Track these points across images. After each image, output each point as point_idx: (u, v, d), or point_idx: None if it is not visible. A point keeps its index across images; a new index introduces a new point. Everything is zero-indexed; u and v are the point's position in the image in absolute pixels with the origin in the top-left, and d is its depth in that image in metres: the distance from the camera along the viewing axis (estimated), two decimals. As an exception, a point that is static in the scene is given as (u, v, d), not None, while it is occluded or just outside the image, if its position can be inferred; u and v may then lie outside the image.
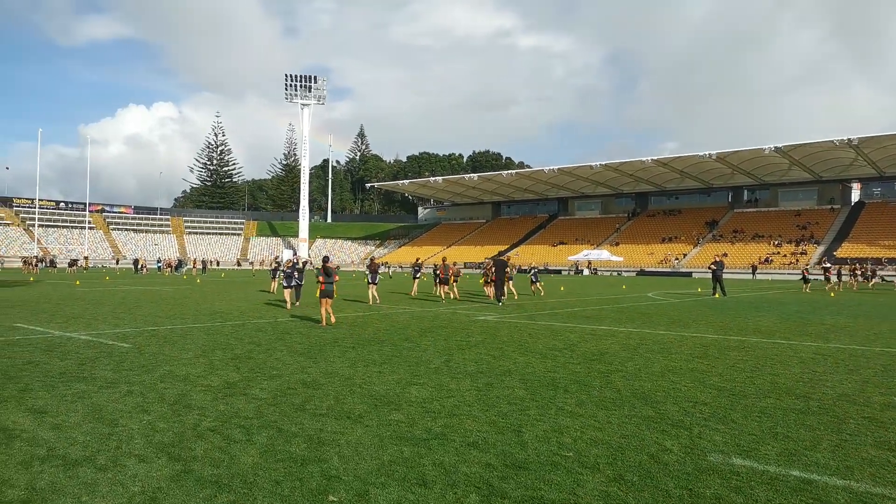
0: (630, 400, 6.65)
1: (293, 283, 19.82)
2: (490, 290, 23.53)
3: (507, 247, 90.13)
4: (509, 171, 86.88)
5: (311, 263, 56.06)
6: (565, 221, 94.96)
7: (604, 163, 74.74)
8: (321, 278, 14.35)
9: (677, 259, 70.99)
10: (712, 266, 28.17)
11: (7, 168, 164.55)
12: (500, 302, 21.01)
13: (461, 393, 6.91)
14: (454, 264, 26.73)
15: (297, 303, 19.74)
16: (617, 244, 79.93)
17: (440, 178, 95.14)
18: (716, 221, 79.16)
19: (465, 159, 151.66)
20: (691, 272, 65.25)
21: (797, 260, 63.12)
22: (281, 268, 20.64)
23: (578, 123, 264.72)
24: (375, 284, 22.05)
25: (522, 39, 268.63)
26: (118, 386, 7.05)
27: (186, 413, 5.91)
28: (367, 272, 22.50)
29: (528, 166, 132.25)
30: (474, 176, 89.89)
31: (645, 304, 22.04)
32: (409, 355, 9.54)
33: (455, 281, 24.94)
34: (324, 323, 13.98)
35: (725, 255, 64.44)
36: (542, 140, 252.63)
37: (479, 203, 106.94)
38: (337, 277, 14.52)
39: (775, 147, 62.09)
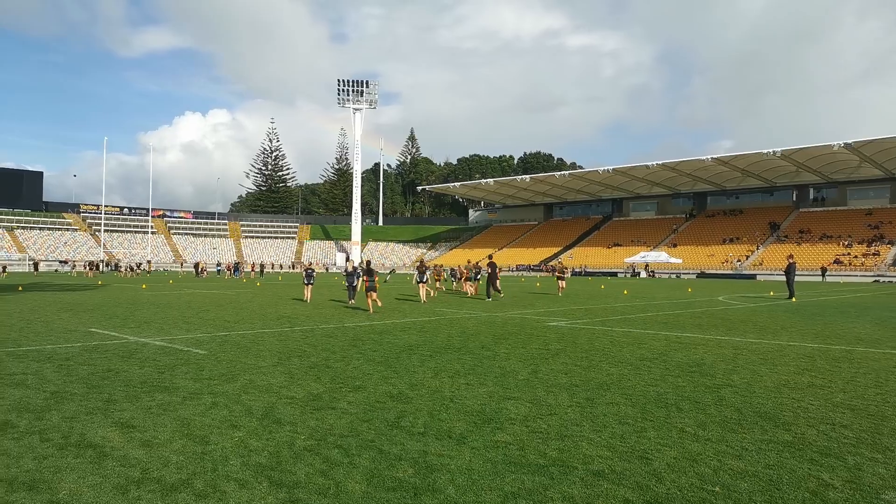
0: (756, 421, 5.97)
1: (353, 284, 22.16)
2: (468, 288, 27.87)
3: (560, 248, 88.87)
4: (562, 172, 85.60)
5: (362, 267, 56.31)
6: (620, 223, 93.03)
7: (660, 162, 72.78)
8: (365, 277, 18.91)
9: (739, 261, 68.53)
10: (790, 266, 26.85)
11: (75, 176, 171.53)
12: (489, 297, 24.81)
13: (562, 409, 6.37)
14: (469, 263, 30.26)
15: (352, 301, 21.84)
16: (675, 245, 77.76)
17: (491, 180, 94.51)
18: (779, 222, 76.08)
19: (515, 161, 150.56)
20: (755, 274, 62.83)
21: (870, 261, 60.02)
22: (352, 271, 23.28)
23: (630, 123, 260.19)
24: (424, 283, 23.83)
25: (571, 39, 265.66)
26: (202, 397, 6.78)
27: (278, 429, 5.55)
28: (416, 272, 24.84)
29: (580, 167, 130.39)
30: (526, 177, 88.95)
31: (720, 308, 20.99)
32: (492, 365, 9.05)
33: (469, 280, 28.22)
34: (371, 311, 17.84)
35: (791, 256, 61.81)
36: (593, 141, 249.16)
37: (531, 205, 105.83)
38: (377, 276, 18.64)
39: (844, 143, 59.23)
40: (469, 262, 30.24)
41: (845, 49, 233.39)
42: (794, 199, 79.49)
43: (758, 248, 70.64)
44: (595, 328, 14.30)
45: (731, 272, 66.10)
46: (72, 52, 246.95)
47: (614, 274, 71.54)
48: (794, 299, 25.73)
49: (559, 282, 29.61)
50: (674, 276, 68.51)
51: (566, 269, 28.58)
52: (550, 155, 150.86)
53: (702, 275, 66.92)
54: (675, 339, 12.36)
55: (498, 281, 25.54)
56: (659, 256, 70.08)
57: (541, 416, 6.11)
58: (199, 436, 5.32)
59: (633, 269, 72.17)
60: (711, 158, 69.04)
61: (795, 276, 27.41)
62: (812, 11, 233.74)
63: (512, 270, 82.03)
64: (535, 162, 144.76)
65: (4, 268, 54.51)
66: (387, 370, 8.53)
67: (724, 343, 11.69)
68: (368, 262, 19.81)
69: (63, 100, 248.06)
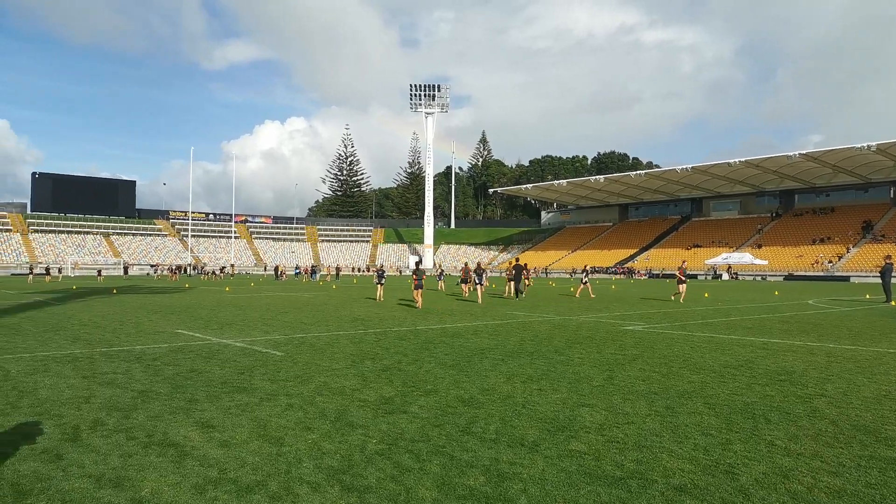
0: (854, 434, 5.54)
1: (422, 285, 22.69)
2: (465, 289, 28.36)
3: (636, 250, 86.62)
4: (638, 172, 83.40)
5: (440, 268, 56.82)
6: (700, 223, 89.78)
7: (743, 159, 69.72)
8: (414, 277, 22.27)
9: (831, 262, 64.73)
10: (886, 267, 25.08)
11: (164, 184, 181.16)
12: (517, 297, 26.48)
13: (640, 418, 6.11)
14: (466, 265, 30.83)
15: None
16: (759, 246, 74.31)
17: (564, 181, 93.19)
18: (875, 221, 71.34)
19: (589, 161, 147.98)
20: (849, 276, 59.18)
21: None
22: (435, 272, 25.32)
23: (710, 119, 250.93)
24: (482, 285, 25.28)
25: (647, 35, 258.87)
26: (278, 398, 6.92)
27: (350, 432, 5.58)
28: (475, 275, 25.87)
29: (657, 166, 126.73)
30: (600, 178, 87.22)
31: (809, 312, 19.82)
32: (566, 370, 8.83)
33: (464, 282, 28.61)
34: (419, 306, 20.95)
35: (889, 257, 57.82)
36: (670, 139, 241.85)
37: (605, 205, 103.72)
38: (425, 276, 22.16)
39: (951, 134, 54.88)
40: (466, 264, 30.83)
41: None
42: (892, 196, 74.41)
43: (850, 249, 66.48)
44: (674, 333, 13.78)
45: (821, 274, 62.52)
46: (160, 67, 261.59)
47: (694, 276, 69.01)
48: (893, 303, 24.02)
49: (679, 285, 26.19)
50: (759, 278, 65.44)
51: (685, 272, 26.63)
52: (625, 154, 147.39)
53: (789, 277, 63.59)
54: (761, 345, 11.73)
55: (523, 282, 27.45)
56: (742, 258, 67.15)
57: (617, 424, 5.88)
58: (275, 437, 5.41)
59: (715, 272, 69.40)
60: (799, 154, 65.56)
61: (893, 279, 25.58)
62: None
63: (582, 272, 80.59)
64: (610, 162, 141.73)
65: (100, 272, 58.03)
66: (458, 374, 8.47)
67: (815, 350, 11.00)
68: (417, 264, 24.24)
69: (153, 112, 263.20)
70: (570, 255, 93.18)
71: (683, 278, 26.43)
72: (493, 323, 15.94)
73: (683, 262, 28.51)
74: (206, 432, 5.55)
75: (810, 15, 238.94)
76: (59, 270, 66.77)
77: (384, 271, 26.98)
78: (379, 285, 25.70)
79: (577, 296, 28.76)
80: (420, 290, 21.75)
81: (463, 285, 28.50)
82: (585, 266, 32.38)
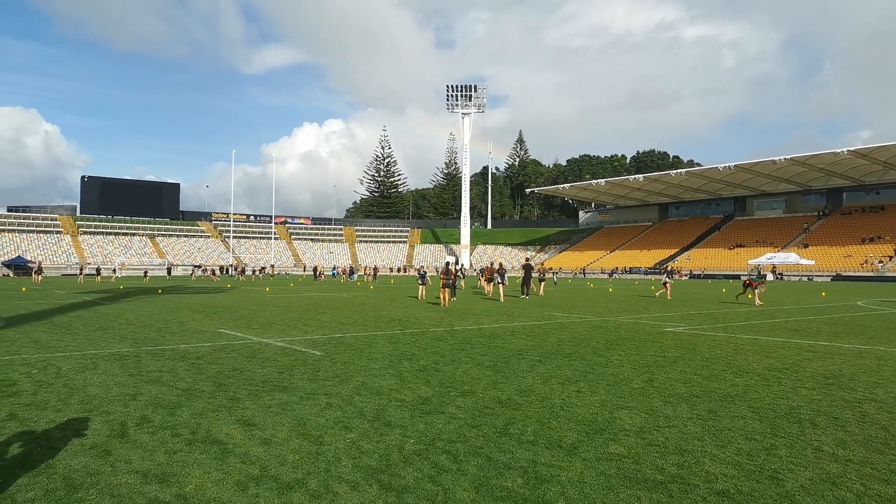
0: (907, 441, 5.34)
1: (449, 284, 23.43)
2: (489, 288, 28.67)
3: (676, 250, 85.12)
4: (678, 171, 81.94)
5: (471, 269, 56.79)
6: (743, 222, 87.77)
7: (789, 157, 67.92)
8: (442, 277, 23.04)
9: (881, 262, 62.53)
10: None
11: (207, 186, 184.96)
12: (524, 296, 27.42)
13: (682, 421, 6.01)
14: (491, 264, 31.41)
15: (454, 298, 24.83)
16: (806, 246, 72.26)
17: (602, 180, 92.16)
18: (930, 218, 68.71)
19: (627, 160, 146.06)
20: (901, 277, 57.11)
21: None
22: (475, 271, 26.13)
23: (753, 116, 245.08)
24: (504, 284, 26.21)
25: (687, 31, 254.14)
26: (317, 397, 7.01)
27: (388, 431, 5.62)
28: (497, 275, 26.70)
29: (698, 164, 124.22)
30: (639, 177, 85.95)
31: (859, 314, 19.19)
32: (604, 372, 8.73)
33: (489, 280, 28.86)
34: (443, 304, 21.96)
35: (945, 256, 55.51)
36: (711, 136, 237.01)
37: (645, 205, 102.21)
38: (453, 277, 23.57)
39: None
40: (491, 263, 31.70)
41: None
42: (948, 192, 71.51)
43: (904, 248, 64.13)
44: (717, 335, 13.50)
45: (872, 274, 60.46)
46: (201, 72, 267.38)
47: (736, 276, 67.41)
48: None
49: (749, 289, 24.95)
50: (805, 278, 63.64)
51: (764, 275, 25.54)
52: (665, 153, 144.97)
53: (837, 277, 61.67)
54: (807, 347, 11.40)
55: (537, 280, 29.57)
56: (788, 258, 65.41)
57: (658, 427, 5.80)
58: (314, 436, 5.48)
59: (759, 272, 67.70)
60: (848, 151, 63.52)
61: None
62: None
63: (617, 273, 79.67)
64: (649, 160, 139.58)
65: (146, 272, 59.61)
66: (495, 375, 8.45)
67: (865, 353, 10.64)
68: (447, 264, 25.16)
69: (196, 117, 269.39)
70: (609, 256, 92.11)
71: (759, 282, 25.09)
72: (531, 324, 15.86)
73: (757, 268, 26.29)
74: (247, 430, 5.66)
75: (859, 6, 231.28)
76: (114, 271, 68.81)
77: (426, 272, 28.64)
78: (422, 285, 27.26)
79: (657, 296, 28.67)
80: (447, 290, 22.71)
81: (486, 283, 29.26)
82: (666, 266, 32.24)
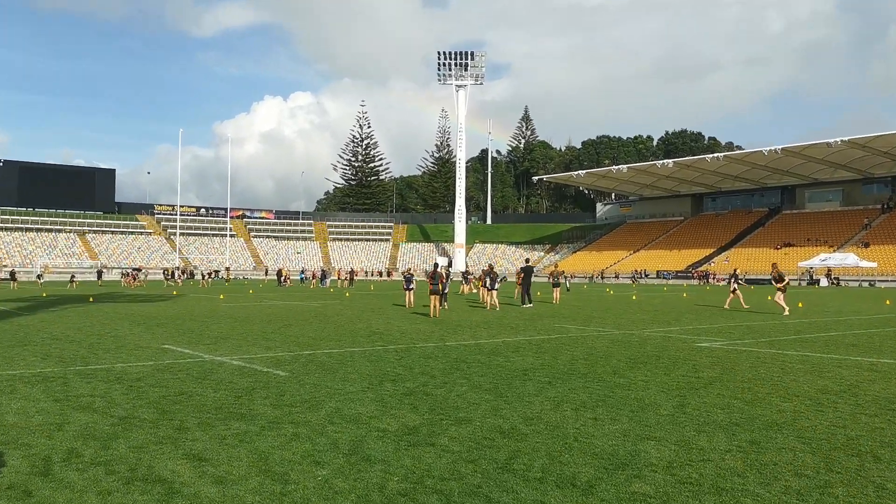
0: None
1: (438, 290, 23.58)
2: (487, 297, 27.72)
3: (713, 250, 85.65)
4: (715, 155, 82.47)
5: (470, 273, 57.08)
6: (792, 216, 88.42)
7: (847, 138, 68.43)
8: (429, 281, 23.30)
9: (957, 264, 63.12)
10: None
11: (148, 173, 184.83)
12: (524, 304, 28.10)
13: (718, 454, 6.05)
14: (492, 266, 31.33)
15: (446, 306, 25.83)
16: (866, 245, 72.84)
17: (624, 166, 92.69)
18: None
19: (654, 142, 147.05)
20: (980, 282, 57.68)
21: None
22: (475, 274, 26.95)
23: (804, 90, 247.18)
24: (496, 290, 26.58)
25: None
26: (282, 426, 7.02)
27: (367, 468, 5.63)
28: (487, 278, 27.24)
29: (739, 147, 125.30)
30: (668, 162, 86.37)
31: (930, 326, 19.37)
32: (627, 396, 8.78)
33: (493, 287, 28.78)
34: (433, 314, 22.18)
35: None
36: (754, 114, 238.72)
37: (675, 196, 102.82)
38: (443, 281, 24.16)
39: None
40: (490, 266, 31.50)
41: None
42: None
43: (983, 248, 64.78)
44: (760, 351, 13.61)
45: (945, 279, 61.02)
46: (141, 36, 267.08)
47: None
48: None
49: (778, 295, 24.97)
50: (865, 283, 64.14)
51: (784, 276, 25.66)
52: (699, 133, 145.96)
53: (904, 282, 62.19)
54: (868, 366, 11.51)
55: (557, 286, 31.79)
56: (846, 259, 65.90)
57: (690, 462, 5.84)
58: (278, 473, 5.48)
59: (811, 276, 68.19)
60: (916, 131, 64.11)
61: None
62: None
63: (640, 276, 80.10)
64: (680, 143, 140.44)
65: (73, 277, 59.25)
66: (496, 399, 8.48)
67: (937, 372, 10.74)
68: (436, 266, 25.87)
69: (134, 88, 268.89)
70: (632, 257, 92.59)
71: (780, 284, 25.11)
72: (538, 338, 15.91)
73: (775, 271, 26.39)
74: (197, 466, 5.65)
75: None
76: (39, 277, 68.39)
77: (412, 276, 29.18)
78: (408, 291, 27.79)
79: (726, 306, 28.19)
80: (436, 297, 22.92)
81: (483, 290, 28.84)
82: (734, 270, 32.25)
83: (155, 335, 16.29)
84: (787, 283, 25.73)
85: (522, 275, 30.19)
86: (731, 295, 28.62)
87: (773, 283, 25.64)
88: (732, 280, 29.57)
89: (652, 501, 4.88)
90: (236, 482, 5.26)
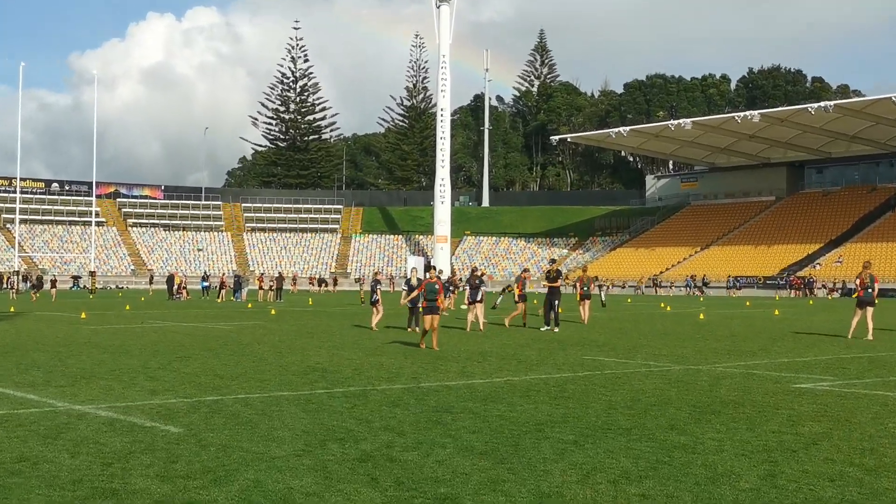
0: None
1: (435, 307, 22.93)
2: (471, 314, 28.95)
3: (819, 246, 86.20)
4: (821, 104, 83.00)
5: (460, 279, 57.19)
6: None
7: None
8: (423, 293, 22.82)
9: None
10: None
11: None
12: (546, 326, 28.70)
13: (826, 548, 6.11)
14: (475, 270, 33.16)
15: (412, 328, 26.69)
16: None
17: (687, 120, 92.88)
18: None
19: (732, 85, 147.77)
20: None
21: None
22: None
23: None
24: (479, 302, 28.25)
25: None
26: (173, 510, 7.00)
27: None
28: (467, 286, 29.43)
29: (856, 93, 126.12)
30: (753, 115, 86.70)
31: None
32: (690, 462, 8.82)
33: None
34: (422, 345, 21.78)
35: None
36: (878, 46, 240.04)
37: (762, 165, 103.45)
38: (440, 290, 22.96)
39: None
40: (476, 268, 33.72)
41: None
42: None
43: None
44: (888, 394, 13.73)
45: None
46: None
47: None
48: None
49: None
50: None
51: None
52: (799, 72, 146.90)
53: None
54: None
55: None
56: None
57: (784, 559, 5.89)
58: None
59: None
60: None
61: None
62: None
63: (702, 285, 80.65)
64: (771, 87, 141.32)
65: None
66: (495, 468, 8.49)
67: None
68: (429, 267, 26.73)
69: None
70: (698, 256, 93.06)
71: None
72: (559, 376, 15.95)
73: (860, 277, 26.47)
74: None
75: None
76: None
77: (378, 283, 29.78)
78: (374, 307, 28.66)
79: (850, 335, 27.89)
80: (435, 317, 21.85)
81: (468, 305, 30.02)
82: (868, 272, 31.99)
83: (-18, 373, 16.19)
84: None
85: (550, 284, 29.94)
86: (858, 314, 26.75)
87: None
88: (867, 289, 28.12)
89: None
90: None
